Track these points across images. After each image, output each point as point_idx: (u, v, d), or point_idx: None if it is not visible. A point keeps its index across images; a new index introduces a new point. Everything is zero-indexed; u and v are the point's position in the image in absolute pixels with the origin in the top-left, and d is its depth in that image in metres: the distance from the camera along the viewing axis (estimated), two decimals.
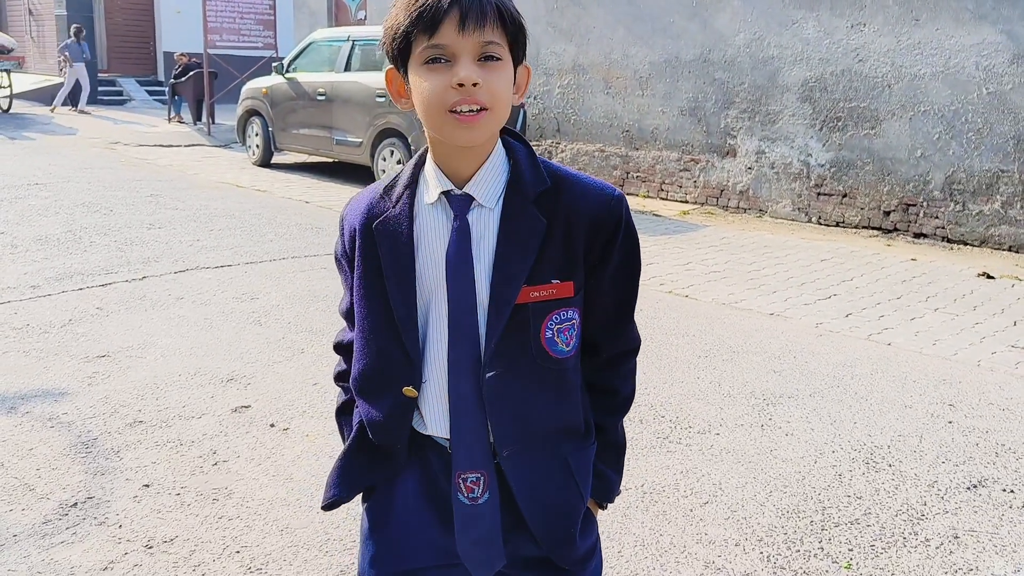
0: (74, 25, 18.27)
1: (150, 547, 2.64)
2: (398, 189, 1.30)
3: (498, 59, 1.18)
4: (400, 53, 1.20)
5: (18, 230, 6.86)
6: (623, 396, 1.41)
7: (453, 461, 1.28)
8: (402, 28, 1.17)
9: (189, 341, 4.51)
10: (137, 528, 2.75)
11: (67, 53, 17.36)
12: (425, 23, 1.15)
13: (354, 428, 1.39)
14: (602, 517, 2.87)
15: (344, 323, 1.46)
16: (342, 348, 1.47)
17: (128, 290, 5.39)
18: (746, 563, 2.69)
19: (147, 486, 3.02)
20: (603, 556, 2.68)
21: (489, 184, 1.25)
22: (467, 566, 1.32)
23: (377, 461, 1.37)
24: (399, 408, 1.30)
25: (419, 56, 1.17)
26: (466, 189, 1.24)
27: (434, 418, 1.29)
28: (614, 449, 1.42)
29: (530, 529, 1.31)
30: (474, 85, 1.14)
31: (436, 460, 1.33)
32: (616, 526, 2.87)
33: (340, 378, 1.48)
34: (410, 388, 1.28)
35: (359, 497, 1.42)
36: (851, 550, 2.79)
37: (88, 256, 6.16)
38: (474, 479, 1.28)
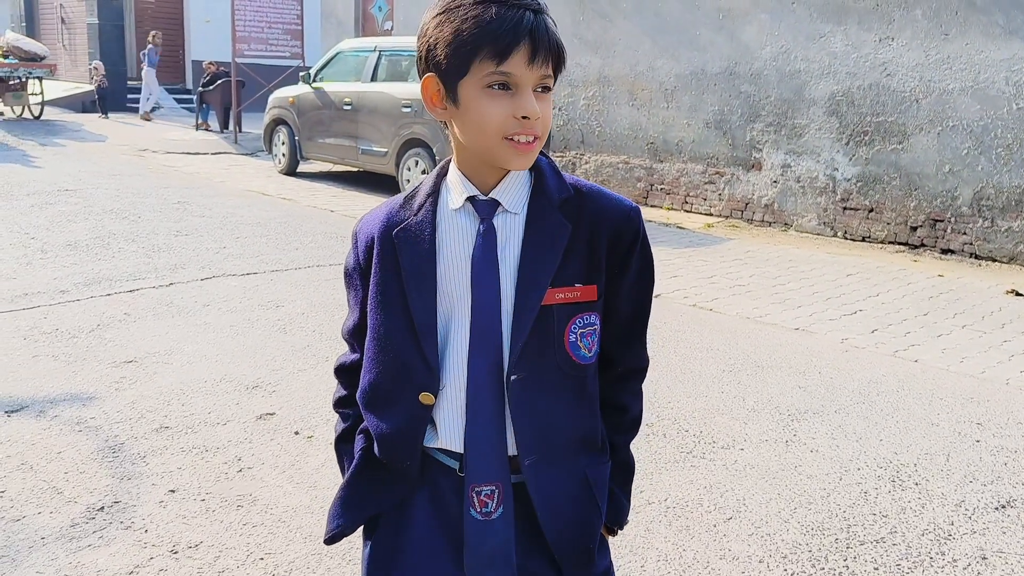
0: (152, 31, 18.59)
1: (175, 552, 2.67)
2: (419, 198, 1.31)
3: (550, 90, 1.22)
4: (456, 68, 1.18)
5: (48, 235, 6.96)
6: (633, 415, 1.41)
7: (467, 473, 1.26)
8: (467, 47, 1.15)
9: (215, 348, 4.55)
10: (163, 533, 2.77)
11: (144, 58, 17.78)
12: (496, 48, 1.15)
13: (357, 454, 1.36)
14: (625, 532, 2.87)
15: (346, 346, 1.43)
16: (343, 372, 1.44)
17: (155, 296, 5.45)
18: None
19: (173, 491, 3.04)
20: (625, 571, 2.67)
21: (515, 191, 1.27)
22: None
23: (384, 486, 1.33)
24: (413, 419, 1.27)
25: (481, 79, 1.17)
26: (492, 195, 1.26)
27: (448, 429, 1.27)
28: (625, 470, 1.42)
29: (549, 543, 1.28)
30: (536, 119, 1.18)
31: (445, 482, 1.30)
32: (639, 540, 2.86)
33: (340, 404, 1.45)
34: (427, 394, 1.26)
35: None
36: (876, 569, 2.76)
37: (116, 262, 6.23)
38: (488, 492, 1.25)
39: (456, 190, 1.28)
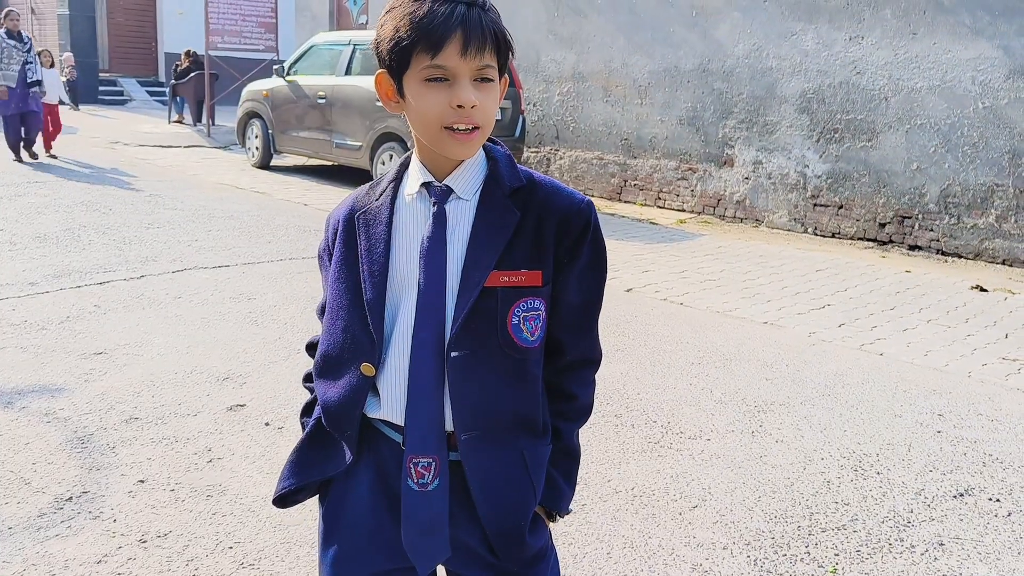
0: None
1: (144, 541, 2.67)
2: (382, 185, 1.38)
3: (491, 80, 1.25)
4: (397, 63, 1.24)
5: (17, 227, 6.89)
6: (581, 403, 1.44)
7: (407, 445, 1.29)
8: (403, 42, 1.21)
9: (186, 340, 4.54)
10: (131, 523, 2.77)
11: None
12: (429, 43, 1.20)
13: (311, 423, 1.42)
14: (593, 519, 2.91)
15: (319, 325, 1.48)
16: (313, 348, 1.50)
17: (126, 288, 5.42)
18: (733, 567, 2.72)
19: (142, 482, 3.04)
20: (592, 557, 2.71)
21: (468, 178, 1.32)
22: (410, 557, 1.32)
23: (329, 453, 1.38)
24: (354, 388, 1.32)
25: (419, 72, 1.23)
26: (446, 181, 1.31)
27: (391, 401, 1.31)
28: (568, 457, 1.43)
29: (480, 518, 1.32)
30: (472, 107, 1.22)
31: (389, 454, 1.34)
32: (606, 528, 2.90)
33: (307, 379, 1.50)
34: (368, 365, 1.30)
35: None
36: (837, 555, 2.82)
37: (87, 254, 6.19)
38: (425, 464, 1.29)
39: (414, 177, 1.34)
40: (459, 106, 1.21)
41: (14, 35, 10.30)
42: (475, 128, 1.24)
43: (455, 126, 1.23)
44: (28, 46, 10.42)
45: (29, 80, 10.42)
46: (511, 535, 1.33)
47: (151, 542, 2.67)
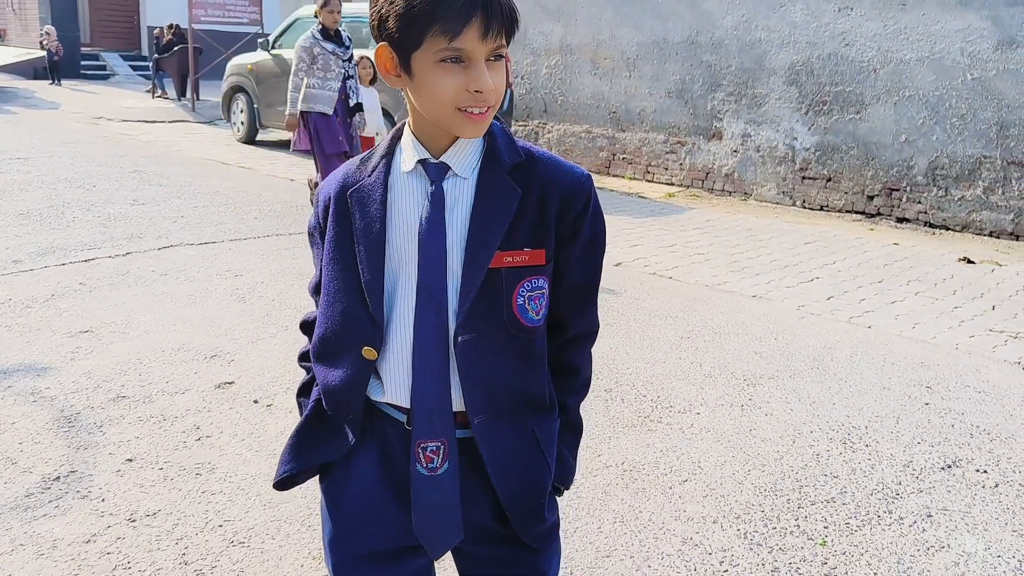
0: None
1: (133, 520, 2.66)
2: (374, 160, 1.33)
3: (502, 57, 1.22)
4: (407, 40, 1.18)
5: (0, 205, 6.81)
6: (584, 377, 1.44)
7: (413, 429, 1.27)
8: (418, 21, 1.15)
9: (172, 317, 4.51)
10: (120, 502, 2.76)
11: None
12: (447, 24, 1.14)
13: (310, 405, 1.39)
14: (582, 494, 2.92)
15: (312, 302, 1.46)
16: (308, 326, 1.47)
17: (111, 266, 5.37)
18: (723, 539, 2.73)
19: (130, 460, 3.03)
20: (582, 532, 2.71)
21: (466, 155, 1.28)
22: (423, 542, 1.31)
23: (331, 435, 1.36)
24: (356, 372, 1.29)
25: (434, 54, 1.16)
26: (443, 158, 1.27)
27: (394, 384, 1.29)
28: (573, 431, 1.44)
29: (499, 500, 1.31)
30: (489, 91, 1.19)
31: (393, 434, 1.32)
32: (596, 502, 2.91)
33: (303, 358, 1.47)
34: (370, 349, 1.28)
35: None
36: (826, 527, 2.83)
37: (71, 231, 6.13)
38: (434, 448, 1.27)
39: (408, 152, 1.29)
40: (477, 91, 1.17)
41: (331, 35, 6.61)
42: (488, 108, 1.21)
43: (470, 108, 1.19)
44: (349, 52, 6.79)
45: (352, 103, 6.93)
46: (531, 513, 1.33)
47: (140, 521, 2.66)
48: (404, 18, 1.16)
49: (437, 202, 1.26)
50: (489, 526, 1.34)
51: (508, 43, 1.23)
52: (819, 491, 3.08)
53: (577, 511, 2.85)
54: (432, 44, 1.16)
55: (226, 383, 3.73)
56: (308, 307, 1.45)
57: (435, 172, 1.27)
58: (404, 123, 1.32)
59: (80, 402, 3.46)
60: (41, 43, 18.41)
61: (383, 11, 1.19)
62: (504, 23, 1.17)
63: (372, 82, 7.39)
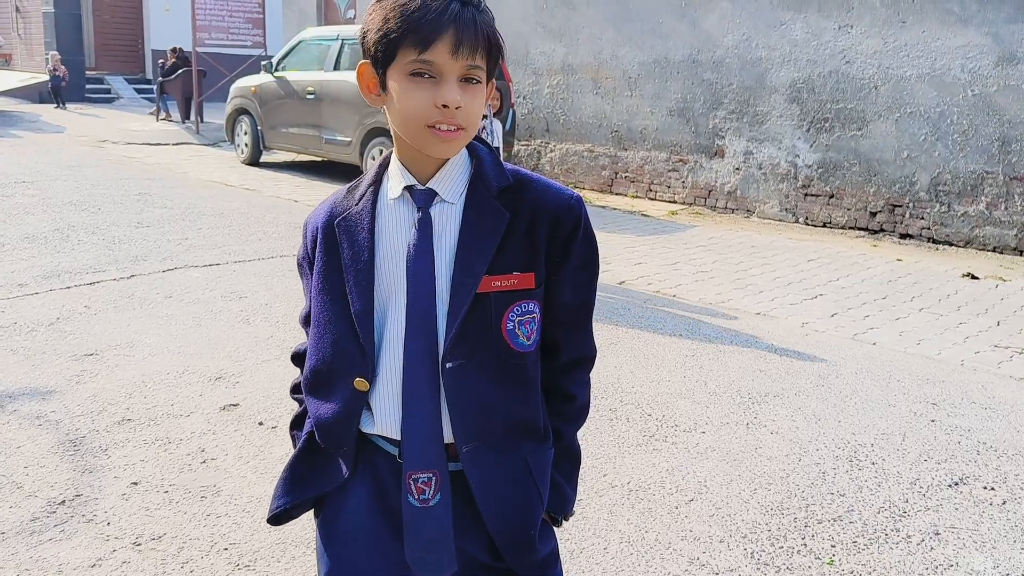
0: None
1: (138, 544, 2.65)
2: (361, 188, 1.33)
3: (478, 82, 1.21)
4: (383, 55, 1.20)
5: (5, 228, 6.84)
6: (580, 403, 1.41)
7: (404, 460, 1.26)
8: (392, 34, 1.17)
9: (177, 340, 4.51)
10: (125, 525, 2.76)
11: None
12: (418, 37, 1.15)
13: (302, 438, 1.38)
14: (588, 515, 2.91)
15: (304, 334, 1.44)
16: (299, 358, 1.45)
17: (116, 289, 5.39)
18: (730, 559, 2.72)
19: (135, 484, 3.03)
20: (589, 553, 2.70)
21: (452, 180, 1.28)
22: (417, 574, 1.29)
23: (324, 468, 1.34)
24: (348, 404, 1.28)
25: (405, 66, 1.18)
26: (429, 184, 1.27)
27: (385, 415, 1.27)
28: (570, 459, 1.42)
29: (488, 531, 1.29)
30: (456, 108, 1.18)
31: (385, 467, 1.31)
32: (602, 523, 2.90)
33: (295, 390, 1.46)
34: (362, 380, 1.26)
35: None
36: (834, 546, 2.82)
37: (76, 254, 6.15)
38: (425, 479, 1.26)
39: (395, 180, 1.29)
40: (443, 106, 1.17)
41: None
42: (459, 129, 1.20)
43: (439, 125, 1.19)
44: None
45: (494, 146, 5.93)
46: (521, 544, 1.31)
47: (145, 545, 2.65)
48: (380, 31, 1.18)
49: (424, 229, 1.25)
50: (484, 560, 1.32)
51: (491, 70, 1.23)
52: (826, 509, 3.06)
53: (583, 532, 2.84)
54: (404, 56, 1.18)
55: (231, 405, 3.73)
56: (304, 337, 1.44)
57: (422, 199, 1.26)
58: (391, 152, 1.33)
59: (85, 425, 3.46)
60: (47, 67, 18.54)
61: (364, 27, 1.22)
62: (478, 42, 1.17)
63: (497, 114, 6.84)
